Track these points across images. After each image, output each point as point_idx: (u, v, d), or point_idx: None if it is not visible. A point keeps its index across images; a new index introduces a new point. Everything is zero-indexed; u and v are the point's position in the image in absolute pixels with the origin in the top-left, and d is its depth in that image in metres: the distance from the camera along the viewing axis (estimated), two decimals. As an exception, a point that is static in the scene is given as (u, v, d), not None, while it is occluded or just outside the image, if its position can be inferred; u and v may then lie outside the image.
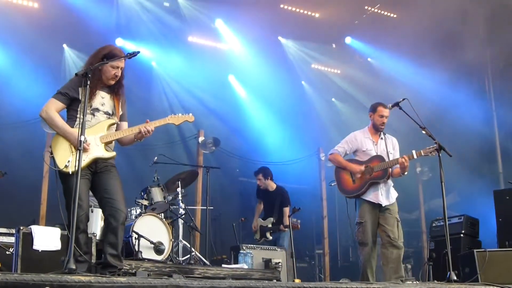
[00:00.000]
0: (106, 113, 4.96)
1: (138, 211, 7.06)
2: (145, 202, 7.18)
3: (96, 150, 4.78)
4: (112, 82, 4.95)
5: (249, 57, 11.90)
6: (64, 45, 10.63)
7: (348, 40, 12.73)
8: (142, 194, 7.34)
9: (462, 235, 8.51)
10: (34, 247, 5.69)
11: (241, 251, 7.33)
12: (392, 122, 6.80)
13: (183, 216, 7.68)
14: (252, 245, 7.81)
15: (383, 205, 6.28)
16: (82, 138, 4.28)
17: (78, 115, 4.72)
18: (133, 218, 6.87)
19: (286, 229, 8.40)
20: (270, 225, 8.69)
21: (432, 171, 11.80)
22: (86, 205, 4.77)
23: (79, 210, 4.27)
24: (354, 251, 12.61)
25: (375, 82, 12.14)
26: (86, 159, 4.68)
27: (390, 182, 6.44)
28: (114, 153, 4.91)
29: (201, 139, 10.18)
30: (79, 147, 4.25)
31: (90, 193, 5.11)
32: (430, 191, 12.02)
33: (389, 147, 6.48)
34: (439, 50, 10.51)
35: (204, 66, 11.59)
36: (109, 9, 10.44)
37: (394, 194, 6.45)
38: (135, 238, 6.27)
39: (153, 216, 6.77)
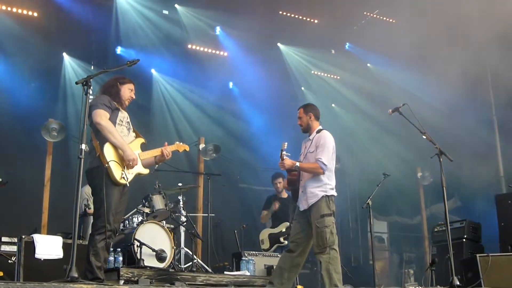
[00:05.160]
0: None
1: (140, 218, 7.04)
2: (147, 210, 7.16)
3: (139, 166, 5.18)
4: (127, 103, 5.36)
5: (248, 64, 11.88)
6: (64, 54, 10.63)
7: (347, 45, 12.74)
8: (144, 201, 7.32)
9: (464, 240, 8.49)
10: (36, 255, 5.71)
11: (243, 258, 7.30)
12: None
13: (185, 223, 7.67)
14: (254, 252, 7.78)
15: (301, 209, 5.96)
16: (83, 146, 4.34)
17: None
18: (135, 226, 6.85)
19: None
20: (284, 230, 8.58)
21: (433, 176, 11.78)
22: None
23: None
24: (356, 257, 12.61)
25: (375, 87, 12.14)
26: (134, 172, 5.13)
27: (307, 184, 5.92)
28: (148, 171, 5.38)
29: (201, 146, 10.18)
30: (79, 155, 4.31)
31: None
32: (431, 196, 11.99)
33: (311, 148, 6.06)
34: (439, 55, 10.50)
35: (204, 73, 11.58)
36: (109, 18, 10.44)
37: (312, 197, 5.84)
38: (137, 246, 6.25)
39: (154, 224, 6.75)
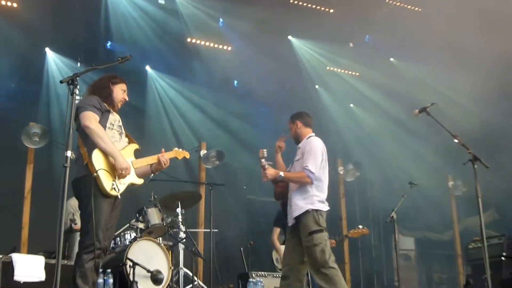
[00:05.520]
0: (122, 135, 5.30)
1: (133, 235, 7.01)
2: (141, 225, 7.13)
3: (132, 175, 5.11)
4: (120, 105, 5.33)
5: (256, 59, 11.82)
6: (47, 49, 10.64)
7: (367, 38, 12.69)
8: (137, 215, 7.29)
9: (503, 258, 8.42)
10: (15, 278, 5.68)
11: (251, 280, 7.26)
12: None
13: (184, 240, 7.64)
14: (262, 273, 7.75)
15: (289, 225, 5.93)
16: (69, 154, 4.30)
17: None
18: (127, 243, 6.82)
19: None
20: None
21: (466, 185, 11.71)
22: None
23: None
24: (379, 278, 12.53)
25: (399, 85, 12.08)
26: (126, 183, 5.06)
27: (293, 196, 5.89)
28: (142, 180, 5.28)
29: (203, 152, 10.14)
30: (65, 164, 4.27)
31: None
32: (465, 207, 11.92)
33: (297, 155, 6.07)
34: (472, 47, 10.43)
35: (206, 70, 11.56)
36: (98, 9, 10.42)
37: (296, 210, 5.79)
38: (130, 266, 6.22)
39: (149, 241, 6.73)
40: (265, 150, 5.94)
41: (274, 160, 6.20)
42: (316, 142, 5.95)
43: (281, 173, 5.84)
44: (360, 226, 8.59)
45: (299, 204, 5.77)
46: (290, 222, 5.87)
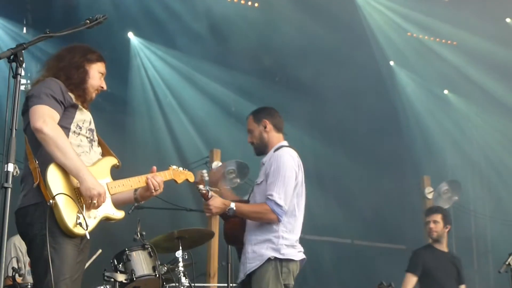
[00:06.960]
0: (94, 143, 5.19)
1: (109, 292, 7.05)
2: (121, 277, 7.14)
3: (107, 204, 4.97)
4: (94, 95, 5.26)
5: (296, 21, 11.85)
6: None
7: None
8: (116, 263, 7.31)
9: None
10: None
11: None
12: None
13: (188, 300, 7.66)
14: None
15: (238, 281, 6.11)
16: (11, 168, 4.29)
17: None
18: (101, 305, 6.86)
19: None
20: None
21: None
22: None
23: None
24: None
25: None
26: (98, 216, 4.91)
27: (249, 237, 5.97)
28: (123, 213, 5.13)
29: (215, 164, 10.15)
30: (5, 183, 4.24)
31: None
32: None
33: (259, 177, 6.17)
34: None
35: (220, 39, 11.59)
36: None
37: (252, 260, 5.86)
38: None
39: (135, 302, 6.77)
40: (204, 171, 5.98)
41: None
42: (287, 158, 5.99)
43: (232, 205, 5.86)
44: None
45: (258, 250, 5.82)
46: (240, 277, 5.97)
